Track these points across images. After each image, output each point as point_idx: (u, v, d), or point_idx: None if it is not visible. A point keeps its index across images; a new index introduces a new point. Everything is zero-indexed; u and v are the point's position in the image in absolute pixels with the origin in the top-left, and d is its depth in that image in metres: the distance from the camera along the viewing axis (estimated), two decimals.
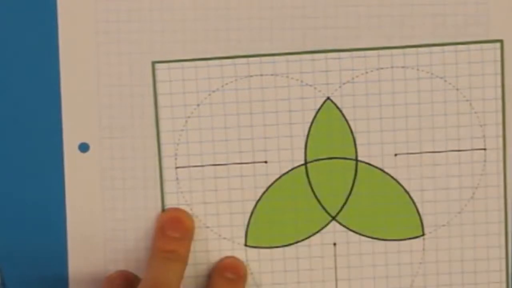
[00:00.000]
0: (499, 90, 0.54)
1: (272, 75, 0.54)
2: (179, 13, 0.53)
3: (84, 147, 0.54)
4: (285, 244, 0.55)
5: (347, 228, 0.55)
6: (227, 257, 0.54)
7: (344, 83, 0.54)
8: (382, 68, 0.54)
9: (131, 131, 0.54)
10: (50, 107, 0.54)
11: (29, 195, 0.54)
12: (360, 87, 0.54)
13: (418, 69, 0.54)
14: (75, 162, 0.54)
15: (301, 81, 0.54)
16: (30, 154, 0.54)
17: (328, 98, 0.54)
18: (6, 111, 0.54)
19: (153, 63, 0.54)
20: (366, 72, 0.54)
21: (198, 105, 0.54)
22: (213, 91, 0.54)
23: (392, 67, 0.54)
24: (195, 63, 0.54)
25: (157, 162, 0.54)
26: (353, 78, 0.54)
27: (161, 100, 0.54)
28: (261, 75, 0.54)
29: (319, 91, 0.54)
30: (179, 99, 0.54)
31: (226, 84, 0.54)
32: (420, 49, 0.54)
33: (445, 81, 0.54)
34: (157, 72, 0.54)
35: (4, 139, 0.54)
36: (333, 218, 0.55)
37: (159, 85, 0.54)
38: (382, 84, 0.54)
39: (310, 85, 0.54)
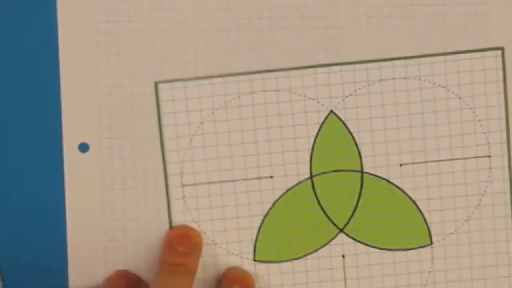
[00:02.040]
0: (502, 96, 0.54)
1: (274, 90, 0.54)
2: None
3: (84, 147, 0.54)
4: (293, 257, 0.55)
5: (355, 240, 0.55)
6: (233, 269, 0.55)
7: (347, 96, 0.54)
8: (384, 80, 0.54)
9: (131, 131, 0.54)
10: (50, 107, 0.54)
11: (29, 195, 0.54)
12: (363, 99, 0.54)
13: (420, 79, 0.54)
14: (75, 162, 0.54)
15: (304, 96, 0.54)
16: (30, 154, 0.54)
17: (332, 111, 0.54)
18: (6, 111, 0.54)
19: (156, 83, 0.54)
20: (368, 84, 0.54)
21: (202, 123, 0.54)
22: (217, 109, 0.54)
23: (394, 78, 0.54)
24: (197, 82, 0.54)
25: (163, 181, 0.54)
26: (355, 91, 0.54)
27: (165, 119, 0.54)
28: (264, 91, 0.54)
29: (322, 104, 0.54)
30: (183, 118, 0.54)
31: (229, 101, 0.54)
32: (421, 59, 0.54)
33: (448, 90, 0.54)
34: (160, 92, 0.54)
35: (4, 139, 0.54)
36: (341, 230, 0.55)
37: (162, 105, 0.54)
38: (385, 95, 0.54)
39: (313, 99, 0.54)
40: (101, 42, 0.53)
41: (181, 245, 0.53)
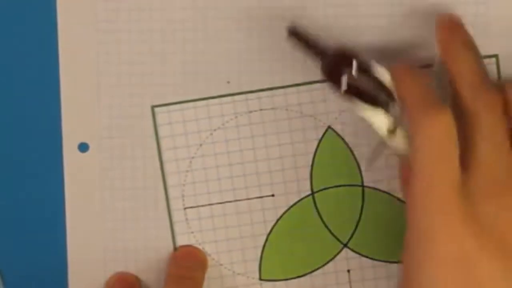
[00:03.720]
0: None
1: (272, 109, 0.54)
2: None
3: (83, 147, 0.54)
4: (299, 275, 0.55)
5: (360, 254, 0.55)
6: None
7: (343, 111, 0.54)
8: None
9: (130, 131, 0.54)
10: (50, 107, 0.54)
11: (29, 195, 0.54)
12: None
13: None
14: (75, 162, 0.54)
15: (301, 113, 0.54)
16: (30, 154, 0.54)
17: (329, 127, 0.54)
18: (6, 111, 0.54)
19: (153, 107, 0.54)
20: None
21: (201, 144, 0.54)
22: (215, 130, 0.54)
23: None
24: (194, 104, 0.54)
25: (165, 204, 0.54)
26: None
27: (164, 143, 0.54)
28: (261, 109, 0.54)
29: (320, 120, 0.54)
30: (181, 141, 0.54)
31: (227, 121, 0.54)
32: None
33: None
34: (157, 116, 0.54)
35: (4, 139, 0.54)
36: (345, 245, 0.55)
37: (160, 129, 0.54)
38: None
39: (310, 116, 0.54)
40: (101, 42, 0.53)
41: (187, 261, 0.53)
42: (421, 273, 0.45)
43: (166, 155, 0.54)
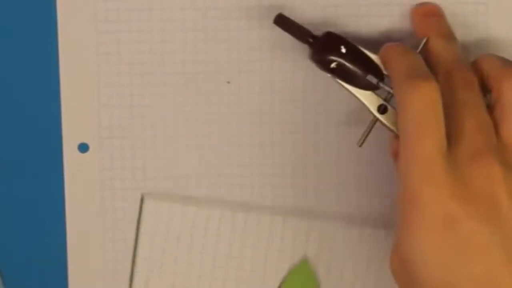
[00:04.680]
0: None
1: (256, 224, 0.55)
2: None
3: (83, 148, 0.54)
4: None
5: None
6: None
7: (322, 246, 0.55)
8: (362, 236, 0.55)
9: (130, 131, 0.54)
10: (50, 108, 0.54)
11: (29, 196, 0.54)
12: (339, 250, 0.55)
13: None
14: (75, 163, 0.54)
15: (282, 238, 0.55)
16: (30, 155, 0.54)
17: (305, 257, 0.55)
18: (6, 111, 0.54)
19: (142, 197, 0.55)
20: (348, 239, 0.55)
21: (178, 239, 0.55)
22: (195, 229, 0.55)
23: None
24: (183, 206, 0.54)
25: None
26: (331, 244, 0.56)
27: (143, 235, 0.55)
28: (245, 223, 0.55)
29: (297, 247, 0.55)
30: (161, 231, 0.55)
31: (209, 226, 0.55)
32: None
33: None
34: (144, 208, 0.55)
35: (4, 139, 0.54)
36: None
37: (143, 220, 0.55)
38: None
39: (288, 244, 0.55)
40: (101, 42, 0.53)
41: None
42: (407, 233, 0.45)
43: (142, 239, 0.55)
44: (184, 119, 0.54)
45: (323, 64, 0.51)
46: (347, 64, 0.50)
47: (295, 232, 0.55)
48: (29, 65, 0.54)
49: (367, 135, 0.51)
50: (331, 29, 0.52)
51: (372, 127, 0.51)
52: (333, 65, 0.50)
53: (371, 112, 0.51)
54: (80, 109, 0.54)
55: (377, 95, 0.51)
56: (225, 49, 0.54)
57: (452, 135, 0.46)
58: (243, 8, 0.54)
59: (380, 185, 0.55)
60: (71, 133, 0.54)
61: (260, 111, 0.55)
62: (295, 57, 0.54)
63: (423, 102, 0.46)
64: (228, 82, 0.54)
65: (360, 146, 0.52)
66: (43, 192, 0.54)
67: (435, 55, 0.50)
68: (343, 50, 0.50)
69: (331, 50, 0.50)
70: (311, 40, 0.51)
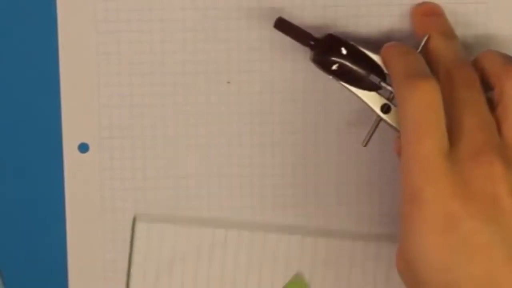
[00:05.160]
0: None
1: (247, 248, 0.55)
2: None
3: (83, 148, 0.54)
4: None
5: None
6: None
7: (316, 263, 0.55)
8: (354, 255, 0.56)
9: (130, 132, 0.54)
10: (50, 108, 0.54)
11: (29, 195, 0.54)
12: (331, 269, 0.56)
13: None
14: (75, 163, 0.54)
15: (274, 255, 0.55)
16: (30, 155, 0.54)
17: (298, 272, 0.55)
18: (6, 111, 0.54)
19: (135, 219, 0.55)
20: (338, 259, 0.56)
21: (170, 264, 0.55)
22: (188, 254, 0.55)
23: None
24: (175, 227, 0.54)
25: None
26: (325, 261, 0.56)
27: (136, 256, 0.55)
28: (237, 246, 0.55)
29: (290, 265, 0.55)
30: (153, 256, 0.55)
31: (202, 250, 0.55)
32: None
33: None
34: (137, 229, 0.55)
35: (4, 139, 0.54)
36: None
37: (136, 242, 0.55)
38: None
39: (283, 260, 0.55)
40: (101, 42, 0.53)
41: None
42: (409, 232, 0.45)
43: (135, 267, 0.55)
44: (184, 119, 0.54)
45: (325, 66, 0.51)
46: (349, 65, 0.50)
47: (288, 248, 0.55)
48: (29, 65, 0.53)
49: (372, 134, 0.51)
50: (331, 30, 0.52)
51: (377, 126, 0.51)
52: (334, 67, 0.50)
53: (375, 112, 0.51)
54: (80, 109, 0.54)
55: (380, 94, 0.51)
56: (225, 49, 0.54)
57: (453, 134, 0.46)
58: (243, 8, 0.54)
59: (380, 186, 0.55)
60: (71, 133, 0.54)
61: (260, 111, 0.54)
62: (295, 57, 0.54)
63: (423, 101, 0.46)
64: (228, 82, 0.54)
65: (365, 145, 0.52)
66: (43, 192, 0.54)
67: (436, 54, 0.50)
68: (344, 51, 0.50)
69: (332, 52, 0.51)
70: (312, 42, 0.51)
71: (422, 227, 0.45)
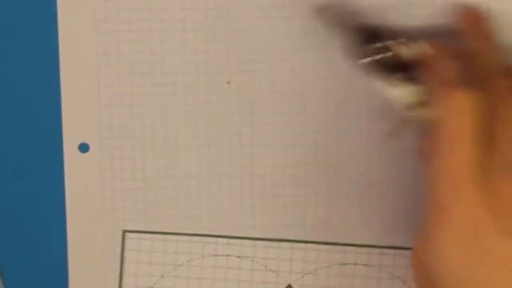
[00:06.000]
0: None
1: (238, 257, 0.55)
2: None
3: (84, 148, 0.54)
4: None
5: None
6: None
7: (306, 273, 0.55)
8: (345, 264, 0.55)
9: (130, 132, 0.54)
10: (50, 108, 0.54)
11: (29, 195, 0.54)
12: (321, 279, 0.55)
13: (380, 269, 0.55)
14: (75, 163, 0.54)
15: (266, 266, 0.55)
16: (30, 155, 0.54)
17: (290, 285, 0.55)
18: (6, 111, 0.54)
19: (124, 232, 0.55)
20: (329, 266, 0.55)
21: (162, 276, 0.55)
22: (179, 265, 0.55)
23: (355, 263, 0.55)
24: (164, 236, 0.55)
25: None
26: (315, 270, 0.55)
27: (127, 268, 0.55)
28: (228, 255, 0.55)
29: (282, 277, 0.55)
30: (144, 269, 0.55)
31: (192, 260, 0.55)
32: (384, 250, 0.55)
33: (404, 283, 0.55)
34: (127, 241, 0.55)
35: (4, 139, 0.54)
36: None
37: (126, 253, 0.55)
38: (343, 279, 0.55)
39: (274, 271, 0.55)
40: (101, 42, 0.53)
41: None
42: (429, 240, 0.45)
43: (126, 279, 0.55)
44: (184, 119, 0.55)
45: (367, 56, 0.50)
46: (381, 59, 0.50)
47: (278, 260, 0.55)
48: (29, 65, 0.54)
49: (398, 130, 0.51)
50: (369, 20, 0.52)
51: (404, 123, 0.51)
52: (378, 56, 0.50)
53: (403, 108, 0.50)
54: (80, 109, 0.54)
55: (411, 90, 0.50)
56: (225, 49, 0.54)
57: (490, 145, 0.45)
58: (243, 8, 0.54)
59: (381, 186, 0.55)
60: (71, 133, 0.54)
61: (260, 111, 0.54)
62: (296, 57, 0.54)
63: (460, 110, 0.46)
64: (228, 82, 0.54)
65: (390, 140, 0.52)
66: (43, 192, 0.54)
67: (479, 61, 0.49)
68: (387, 42, 0.50)
69: (366, 43, 0.50)
70: (357, 31, 0.51)
71: (446, 235, 0.44)
